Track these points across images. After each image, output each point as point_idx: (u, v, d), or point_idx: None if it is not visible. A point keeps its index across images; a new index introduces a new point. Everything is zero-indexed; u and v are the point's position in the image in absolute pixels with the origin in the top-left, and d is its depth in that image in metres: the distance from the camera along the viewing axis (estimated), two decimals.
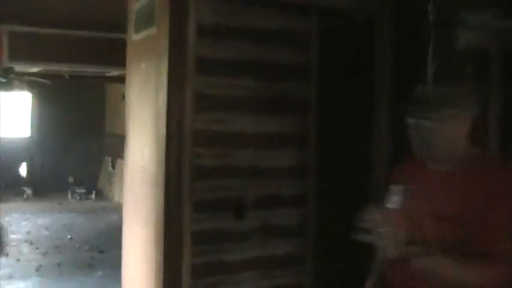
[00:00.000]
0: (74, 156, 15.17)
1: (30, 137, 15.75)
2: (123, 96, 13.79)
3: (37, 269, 7.98)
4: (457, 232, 1.86)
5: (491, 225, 1.84)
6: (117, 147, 15.86)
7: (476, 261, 1.83)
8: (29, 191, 14.74)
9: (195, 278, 3.32)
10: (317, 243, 3.81)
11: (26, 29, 8.82)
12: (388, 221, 1.85)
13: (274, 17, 3.55)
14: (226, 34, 3.36)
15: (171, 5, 3.21)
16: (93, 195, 14.88)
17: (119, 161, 14.77)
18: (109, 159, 14.86)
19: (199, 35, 3.24)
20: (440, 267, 1.88)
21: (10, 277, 7.58)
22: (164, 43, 3.22)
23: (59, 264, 8.23)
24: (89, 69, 11.25)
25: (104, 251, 8.43)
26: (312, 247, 3.81)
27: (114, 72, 11.70)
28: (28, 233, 10.54)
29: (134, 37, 3.78)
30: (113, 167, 15.08)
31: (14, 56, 9.10)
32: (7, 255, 8.67)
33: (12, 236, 10.16)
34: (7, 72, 9.89)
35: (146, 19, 3.55)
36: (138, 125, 3.77)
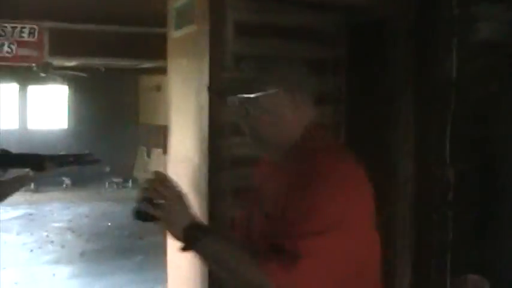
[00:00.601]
0: (110, 147, 15.46)
1: (68, 128, 16.13)
2: (158, 88, 14.08)
3: (81, 255, 8.33)
4: (274, 228, 1.64)
5: (288, 221, 1.59)
6: (151, 137, 16.22)
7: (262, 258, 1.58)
8: (68, 181, 15.15)
9: None
10: None
11: (65, 25, 9.15)
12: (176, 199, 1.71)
13: (305, 15, 3.71)
14: (260, 32, 3.54)
15: (210, 3, 3.40)
16: (129, 184, 15.24)
17: (153, 150, 15.11)
18: (144, 148, 15.17)
19: (237, 33, 3.43)
20: (216, 253, 1.68)
21: (57, 262, 7.94)
22: (204, 41, 3.42)
23: (101, 250, 8.58)
24: (123, 63, 11.56)
25: (142, 237, 8.73)
26: None
27: (147, 65, 11.98)
28: (70, 221, 10.93)
29: (174, 34, 4.00)
30: (148, 156, 15.41)
31: (53, 51, 9.43)
32: (52, 242, 9.07)
33: (56, 224, 10.57)
34: (47, 67, 10.22)
35: (186, 17, 3.76)
36: (180, 118, 3.99)
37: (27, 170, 3.19)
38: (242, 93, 1.73)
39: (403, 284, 3.58)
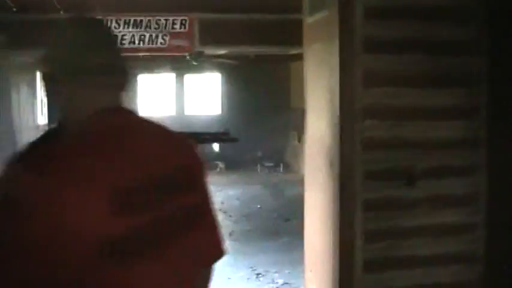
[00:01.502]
0: (262, 132, 15.90)
1: (221, 114, 16.79)
2: None
3: (230, 234, 8.72)
4: None
5: None
6: (302, 122, 16.39)
7: None
8: (221, 165, 15.84)
9: (368, 241, 3.59)
10: (489, 213, 3.87)
11: (213, 15, 9.58)
12: None
13: None
14: (393, 13, 3.54)
15: None
16: (280, 168, 15.61)
17: (304, 135, 15.33)
18: (295, 133, 15.41)
19: (367, 16, 3.46)
20: None
21: None
22: (334, 25, 3.51)
23: (248, 231, 8.93)
24: (272, 49, 11.82)
25: (290, 219, 8.96)
26: (484, 216, 3.88)
27: (297, 51, 12.17)
28: (222, 203, 11.43)
29: (308, 19, 4.11)
30: (299, 140, 15.66)
31: (204, 41, 9.93)
32: None
33: None
34: (198, 56, 10.76)
35: (318, 3, 3.85)
36: (315, 101, 4.11)
37: None
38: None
39: None
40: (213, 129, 15.17)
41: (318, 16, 3.89)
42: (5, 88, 9.46)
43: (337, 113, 3.56)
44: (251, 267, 6.93)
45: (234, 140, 3.43)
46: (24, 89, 10.84)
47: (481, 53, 3.79)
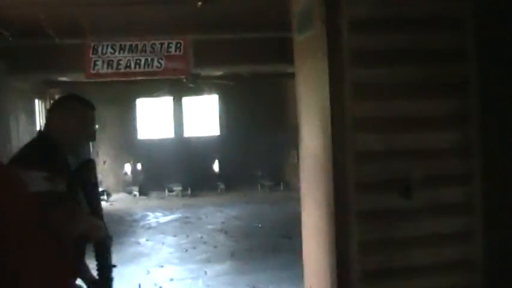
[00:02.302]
0: (261, 151, 15.93)
1: (220, 135, 16.85)
2: None
3: (231, 254, 8.72)
4: None
5: None
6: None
7: None
8: (222, 186, 15.85)
9: (365, 254, 3.61)
10: (487, 221, 3.89)
11: (208, 36, 9.67)
12: None
13: (427, 4, 3.70)
14: (379, 25, 3.59)
15: (325, 7, 3.53)
16: (280, 187, 15.61)
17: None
18: (294, 152, 15.41)
19: (353, 30, 3.52)
20: None
21: (208, 261, 8.39)
22: (322, 42, 3.56)
23: (249, 249, 8.93)
24: (267, 68, 11.89)
25: (290, 237, 8.95)
26: (482, 224, 3.90)
27: (293, 69, 12.24)
28: (223, 223, 11.45)
29: (298, 37, 4.17)
30: (298, 159, 15.67)
31: (199, 63, 10.01)
32: (205, 243, 9.54)
33: (209, 226, 11.14)
34: (195, 78, 10.84)
35: (306, 21, 3.92)
36: (308, 117, 4.15)
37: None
38: None
39: None
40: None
41: (307, 34, 3.95)
42: (3, 115, 9.51)
43: (329, 127, 3.60)
44: (252, 286, 6.92)
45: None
46: (22, 116, 10.89)
47: (471, 60, 3.82)
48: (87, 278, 3.08)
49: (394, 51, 3.65)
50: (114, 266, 3.10)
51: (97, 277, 3.08)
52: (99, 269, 3.05)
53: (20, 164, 2.68)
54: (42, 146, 2.89)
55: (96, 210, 3.05)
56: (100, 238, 2.95)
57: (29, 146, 2.96)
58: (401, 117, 3.70)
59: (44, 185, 2.54)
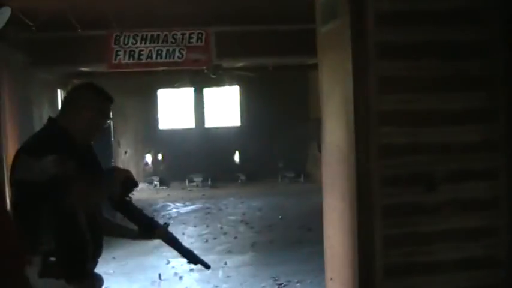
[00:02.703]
0: (282, 142, 15.90)
1: (241, 126, 16.84)
2: None
3: (252, 245, 8.73)
4: None
5: None
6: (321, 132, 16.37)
7: None
8: (242, 177, 15.87)
9: (388, 247, 3.58)
10: None
11: (230, 28, 9.65)
12: None
13: None
14: (406, 18, 3.55)
15: None
16: (301, 179, 15.58)
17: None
18: (315, 143, 15.37)
19: (379, 23, 3.48)
20: None
21: (229, 252, 8.40)
22: (346, 34, 3.52)
23: (270, 241, 8.93)
24: (290, 60, 11.84)
25: (311, 229, 8.93)
26: (507, 220, 3.85)
27: (315, 61, 12.17)
28: (243, 214, 11.46)
29: (321, 29, 4.14)
30: (319, 150, 15.60)
31: (221, 54, 9.99)
32: (226, 233, 9.56)
33: (230, 217, 11.16)
34: (216, 69, 10.83)
35: (330, 12, 3.88)
36: (331, 109, 4.12)
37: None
38: None
39: None
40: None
41: (331, 25, 3.92)
42: (26, 106, 9.59)
43: (353, 119, 3.57)
44: (273, 278, 6.92)
45: None
46: (45, 106, 10.98)
47: (499, 55, 3.76)
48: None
49: (420, 44, 3.60)
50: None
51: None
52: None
53: (26, 151, 2.70)
54: (49, 135, 2.85)
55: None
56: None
57: (36, 135, 2.94)
58: (427, 111, 3.66)
59: (51, 168, 2.53)
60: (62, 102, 3.12)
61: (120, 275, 6.50)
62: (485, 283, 3.73)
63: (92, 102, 2.91)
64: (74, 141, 2.84)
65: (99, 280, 2.95)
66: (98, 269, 2.94)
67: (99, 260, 2.97)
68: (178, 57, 9.73)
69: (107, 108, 2.99)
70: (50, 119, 2.96)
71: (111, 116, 3.12)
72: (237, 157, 16.66)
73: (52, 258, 2.64)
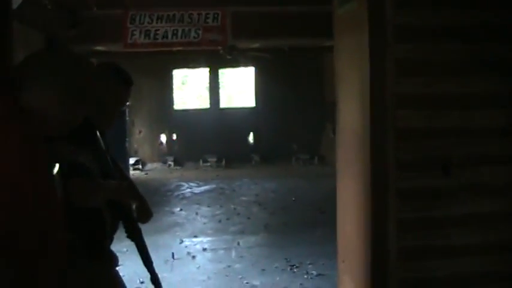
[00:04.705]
0: (297, 124, 15.89)
1: (256, 107, 16.83)
2: None
3: (265, 226, 8.76)
4: None
5: None
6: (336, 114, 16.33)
7: None
8: (256, 158, 15.90)
9: (402, 231, 3.56)
10: None
11: (246, 8, 9.59)
12: None
13: None
14: (425, 1, 3.50)
15: None
16: (315, 161, 15.58)
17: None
18: (330, 126, 15.36)
19: (398, 5, 3.43)
20: None
21: (242, 232, 8.45)
22: (364, 16, 3.48)
23: (284, 223, 8.95)
24: (305, 42, 11.78)
25: (325, 211, 8.95)
26: None
27: (330, 43, 12.10)
28: (257, 195, 11.49)
29: (338, 11, 4.09)
30: (334, 133, 15.56)
31: (237, 35, 9.95)
32: (239, 214, 9.62)
33: (243, 198, 11.20)
34: (232, 50, 10.79)
35: None
36: (346, 91, 4.09)
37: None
38: None
39: None
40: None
41: (348, 7, 3.87)
42: None
43: (369, 102, 3.54)
44: (286, 259, 6.94)
45: None
46: None
47: None
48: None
49: (439, 27, 3.55)
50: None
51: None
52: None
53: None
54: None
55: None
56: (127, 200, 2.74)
57: None
58: (444, 95, 3.62)
59: (64, 155, 2.46)
60: None
61: (133, 253, 6.49)
62: (501, 268, 3.72)
63: (112, 86, 2.76)
64: (91, 125, 2.79)
65: (115, 258, 2.96)
66: (112, 247, 2.96)
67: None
68: (194, 37, 9.71)
69: (127, 92, 2.87)
70: None
71: (128, 101, 3.05)
72: (251, 138, 16.67)
73: (71, 237, 2.64)
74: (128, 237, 2.81)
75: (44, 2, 7.95)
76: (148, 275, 2.84)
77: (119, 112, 2.92)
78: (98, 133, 2.79)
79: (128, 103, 3.03)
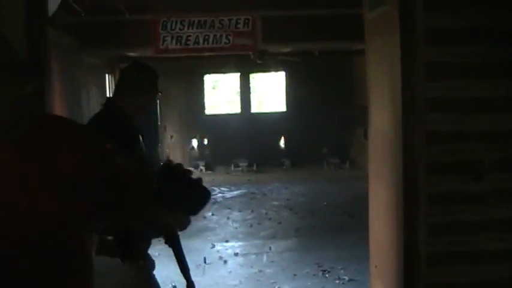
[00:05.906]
0: (327, 128, 15.84)
1: (286, 111, 16.84)
2: None
3: (296, 231, 8.75)
4: None
5: None
6: (367, 118, 16.26)
7: None
8: (287, 162, 15.89)
9: (433, 236, 3.54)
10: None
11: (276, 13, 9.63)
12: None
13: None
14: (456, 3, 3.48)
15: None
16: (346, 165, 15.51)
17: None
18: (361, 129, 15.29)
19: (428, 8, 3.42)
20: None
21: (273, 237, 8.45)
22: (395, 20, 3.48)
23: (314, 227, 8.94)
24: (336, 45, 11.75)
25: (355, 215, 8.91)
26: None
27: (360, 46, 12.05)
28: (287, 199, 11.48)
29: (369, 15, 4.10)
30: (365, 137, 15.50)
31: (267, 39, 9.99)
32: (270, 219, 9.60)
33: (274, 203, 11.21)
34: (262, 54, 10.83)
35: None
36: (377, 95, 4.10)
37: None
38: None
39: None
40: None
41: (378, 11, 3.88)
42: (75, 89, 9.78)
43: (400, 106, 3.53)
44: (317, 264, 6.93)
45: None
46: (93, 90, 11.17)
47: None
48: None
49: (470, 30, 3.53)
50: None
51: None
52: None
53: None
54: (112, 117, 2.94)
55: None
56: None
57: (98, 116, 3.02)
58: (476, 98, 3.59)
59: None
60: (115, 84, 3.28)
61: (165, 257, 6.55)
62: None
63: (143, 84, 3.05)
64: (131, 122, 2.97)
65: (151, 262, 3.01)
66: None
67: None
68: (225, 43, 9.78)
69: (156, 85, 3.14)
70: (107, 100, 3.12)
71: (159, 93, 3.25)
72: (282, 142, 16.67)
73: (109, 237, 2.70)
74: (166, 243, 2.86)
75: (77, 9, 8.08)
76: (181, 280, 2.87)
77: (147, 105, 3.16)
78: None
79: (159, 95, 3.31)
